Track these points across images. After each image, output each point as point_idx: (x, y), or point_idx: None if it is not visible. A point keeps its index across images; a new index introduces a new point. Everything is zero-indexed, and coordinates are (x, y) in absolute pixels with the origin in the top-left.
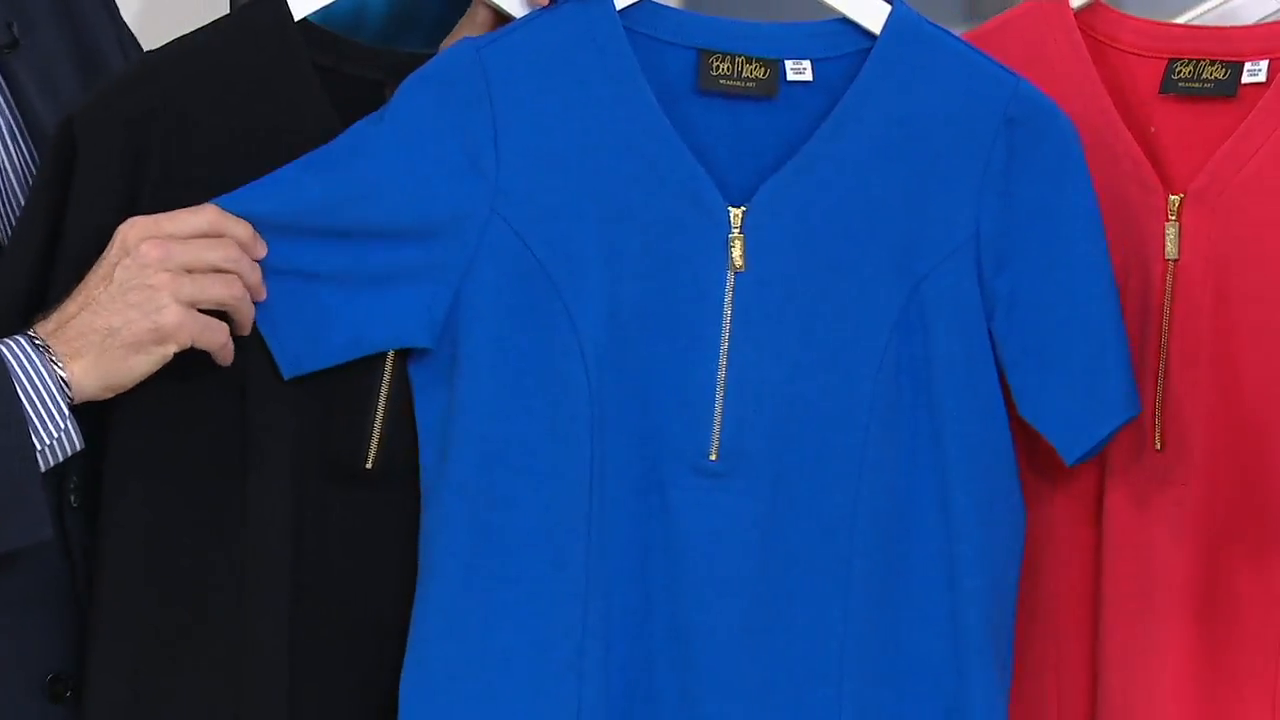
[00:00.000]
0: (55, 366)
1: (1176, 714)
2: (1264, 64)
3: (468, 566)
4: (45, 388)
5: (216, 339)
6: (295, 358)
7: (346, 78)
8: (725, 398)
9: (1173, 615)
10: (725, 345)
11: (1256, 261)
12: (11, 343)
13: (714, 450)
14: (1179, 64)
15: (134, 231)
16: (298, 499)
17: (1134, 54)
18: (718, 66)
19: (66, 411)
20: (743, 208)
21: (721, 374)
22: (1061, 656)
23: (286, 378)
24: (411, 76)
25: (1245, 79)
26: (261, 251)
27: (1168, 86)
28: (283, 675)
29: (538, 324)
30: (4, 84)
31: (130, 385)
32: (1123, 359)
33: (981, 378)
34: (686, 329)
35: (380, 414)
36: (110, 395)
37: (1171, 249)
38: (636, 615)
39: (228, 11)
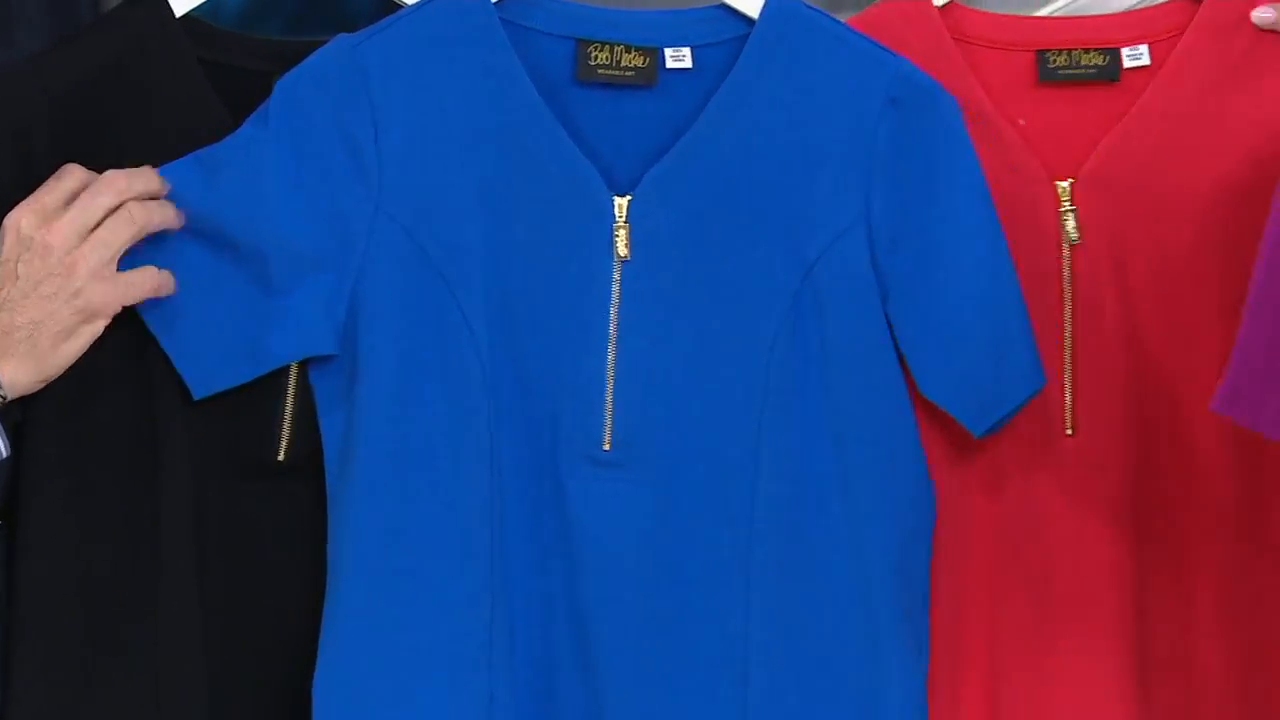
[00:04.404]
0: None
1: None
2: (1143, 48)
3: (375, 564)
4: None
5: (144, 289)
6: (204, 377)
7: (233, 70)
8: (615, 387)
9: (1105, 594)
10: (613, 335)
11: (1155, 241)
12: None
13: (606, 440)
14: (1051, 54)
15: (25, 221)
16: (209, 496)
17: (996, 49)
18: (596, 56)
19: None
20: (627, 197)
21: (611, 364)
22: (960, 648)
23: (197, 398)
24: (287, 76)
25: (1126, 63)
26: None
27: (1046, 75)
28: (199, 673)
29: (431, 320)
30: None
31: (64, 369)
32: (1026, 331)
33: (879, 359)
34: (575, 320)
35: (290, 406)
36: (43, 385)
37: (1071, 234)
38: (540, 607)
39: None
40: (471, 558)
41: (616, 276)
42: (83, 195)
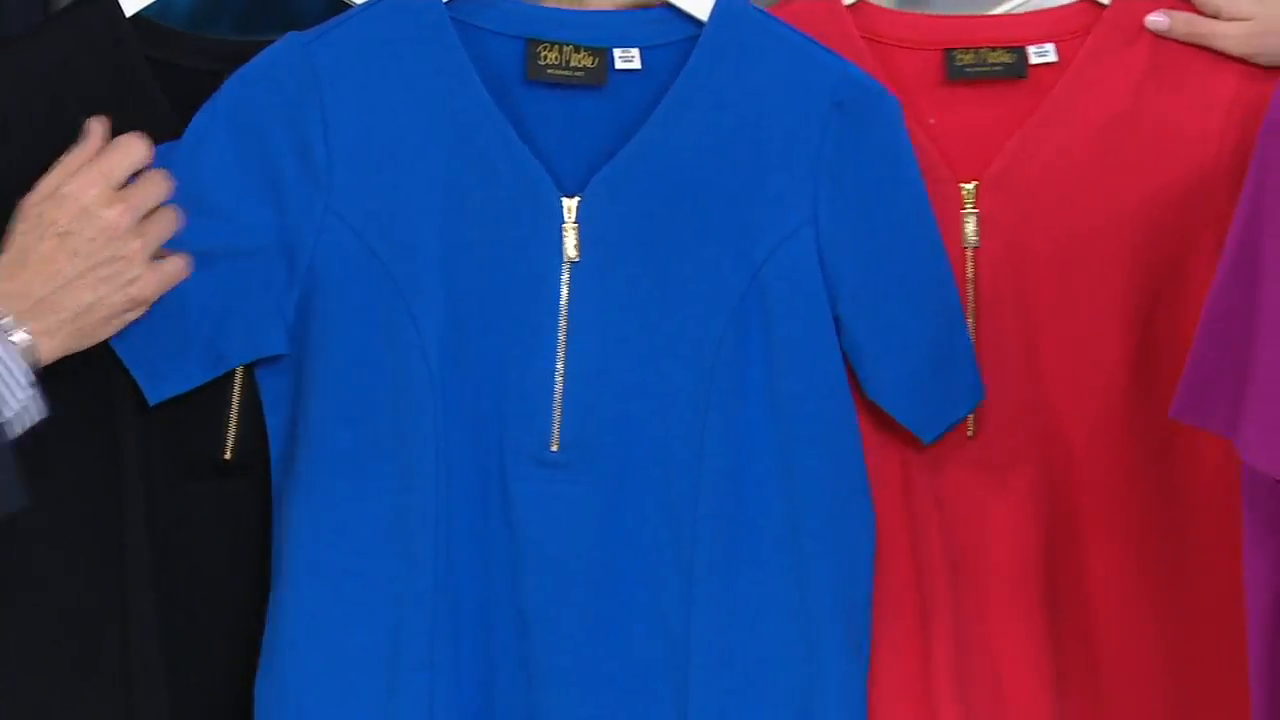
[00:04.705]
0: (18, 338)
1: (1032, 692)
2: (1049, 46)
3: (318, 566)
4: (3, 364)
5: (178, 277)
6: (158, 383)
7: (182, 70)
8: (564, 388)
9: (1012, 593)
10: (562, 336)
11: (1057, 243)
12: None
13: (554, 441)
14: (958, 52)
15: (92, 193)
16: (160, 496)
17: (904, 48)
18: (545, 56)
19: (28, 384)
20: (576, 198)
21: (560, 365)
22: (895, 650)
23: (152, 403)
24: (237, 74)
25: (1033, 60)
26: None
27: (954, 73)
28: (161, 676)
29: (379, 320)
30: None
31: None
32: (967, 342)
33: (823, 361)
34: (524, 321)
35: (236, 405)
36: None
37: (972, 237)
38: (483, 609)
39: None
40: (415, 560)
41: (565, 278)
42: (143, 184)
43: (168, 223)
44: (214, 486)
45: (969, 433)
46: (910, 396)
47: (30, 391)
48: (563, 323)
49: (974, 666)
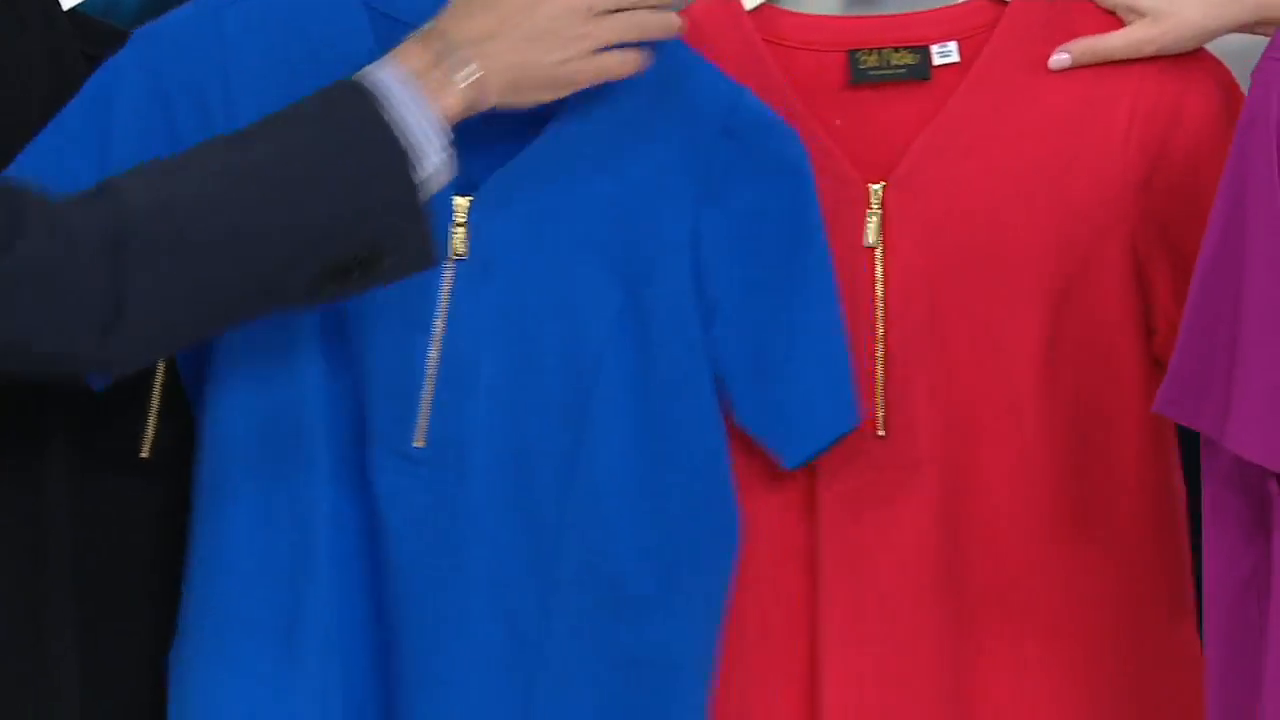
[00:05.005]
0: (459, 76)
1: (928, 695)
2: (952, 45)
3: (223, 554)
4: (424, 119)
5: (611, 74)
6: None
7: None
8: (436, 384)
9: (917, 598)
10: (439, 333)
11: (965, 242)
12: (389, 77)
13: (419, 436)
14: (861, 54)
15: None
16: (83, 493)
17: (807, 50)
18: None
19: (443, 148)
20: (469, 198)
21: (434, 361)
22: (780, 653)
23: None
24: (140, 31)
25: (936, 60)
26: None
27: (858, 76)
28: (75, 673)
29: None
30: None
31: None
32: (845, 369)
33: (697, 381)
34: (404, 314)
35: (155, 401)
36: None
37: (874, 237)
38: (360, 601)
39: None
40: (307, 547)
41: (449, 276)
42: None
43: (635, 21)
44: (133, 483)
45: (880, 431)
46: (778, 424)
47: (444, 155)
48: (440, 320)
49: (870, 670)
